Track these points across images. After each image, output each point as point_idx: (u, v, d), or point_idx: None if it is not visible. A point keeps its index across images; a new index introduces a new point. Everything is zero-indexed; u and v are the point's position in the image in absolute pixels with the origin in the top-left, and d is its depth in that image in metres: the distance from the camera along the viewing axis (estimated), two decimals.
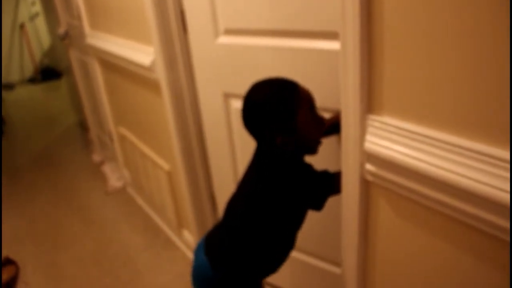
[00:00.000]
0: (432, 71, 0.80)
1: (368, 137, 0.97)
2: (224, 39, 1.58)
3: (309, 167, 1.20)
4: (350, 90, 0.96)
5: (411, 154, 0.88)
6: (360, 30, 0.89)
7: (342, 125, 1.04)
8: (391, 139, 0.92)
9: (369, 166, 1.00)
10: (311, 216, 1.57)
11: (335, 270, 1.69)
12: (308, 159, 1.24)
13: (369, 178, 1.03)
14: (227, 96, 1.68)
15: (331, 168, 1.24)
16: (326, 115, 1.33)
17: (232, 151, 1.80)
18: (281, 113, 1.11)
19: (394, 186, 0.97)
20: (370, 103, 0.96)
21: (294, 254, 1.78)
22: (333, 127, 1.31)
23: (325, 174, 1.19)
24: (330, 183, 1.18)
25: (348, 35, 0.92)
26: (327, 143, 1.35)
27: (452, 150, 0.81)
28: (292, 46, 1.36)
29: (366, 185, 1.07)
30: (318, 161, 1.39)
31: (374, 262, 1.16)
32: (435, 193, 0.86)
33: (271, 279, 1.93)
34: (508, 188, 0.71)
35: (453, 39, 0.75)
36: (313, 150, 1.22)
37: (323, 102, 1.32)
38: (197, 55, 1.70)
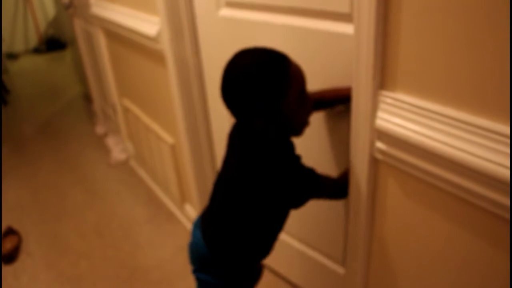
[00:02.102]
0: (451, 47, 0.77)
1: (380, 114, 0.94)
2: (225, 12, 1.53)
3: (296, 158, 1.06)
4: (363, 63, 0.92)
5: (424, 133, 0.84)
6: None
7: (352, 101, 1.01)
8: (404, 117, 0.89)
9: (379, 144, 0.97)
10: (317, 211, 1.55)
11: (339, 270, 1.60)
12: (313, 138, 1.19)
13: (379, 156, 1.00)
14: None
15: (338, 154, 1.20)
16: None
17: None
18: (267, 91, 0.96)
19: (404, 165, 0.94)
20: (383, 78, 0.92)
21: (301, 247, 1.76)
22: (322, 102, 1.22)
23: (311, 172, 1.06)
24: (315, 183, 1.07)
25: (363, 2, 0.87)
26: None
27: (468, 130, 0.78)
28: (295, 25, 1.28)
29: (375, 164, 1.04)
30: (323, 140, 1.36)
31: (380, 241, 1.14)
32: (447, 174, 0.84)
33: (278, 267, 1.91)
34: None
35: (476, 14, 0.71)
36: (298, 133, 1.09)
37: (322, 86, 1.26)
38: (201, 26, 1.66)
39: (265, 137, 1.04)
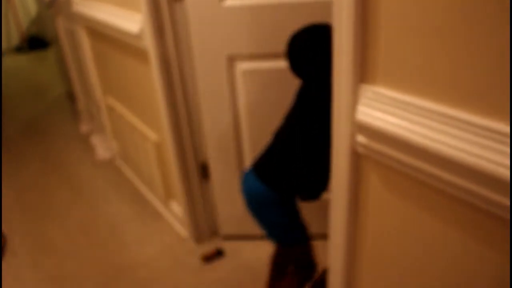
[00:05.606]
0: (431, 39, 0.77)
1: (361, 107, 0.94)
2: (231, 1, 1.60)
3: None
4: (343, 56, 0.93)
5: (405, 126, 0.85)
6: None
7: (333, 94, 1.01)
8: (384, 110, 0.89)
9: (360, 138, 0.98)
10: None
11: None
12: None
13: (360, 150, 1.00)
14: (232, 59, 1.70)
15: None
16: None
17: (235, 115, 1.83)
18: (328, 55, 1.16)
19: (386, 159, 0.94)
20: (364, 71, 0.93)
21: None
22: None
23: None
24: None
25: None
26: None
27: (448, 123, 0.78)
28: (301, 1, 1.44)
29: (356, 158, 1.05)
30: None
31: (363, 237, 1.15)
32: (429, 167, 0.84)
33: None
34: (508, 163, 0.69)
35: (453, 7, 0.72)
36: None
37: None
38: (197, 20, 1.67)
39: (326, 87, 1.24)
